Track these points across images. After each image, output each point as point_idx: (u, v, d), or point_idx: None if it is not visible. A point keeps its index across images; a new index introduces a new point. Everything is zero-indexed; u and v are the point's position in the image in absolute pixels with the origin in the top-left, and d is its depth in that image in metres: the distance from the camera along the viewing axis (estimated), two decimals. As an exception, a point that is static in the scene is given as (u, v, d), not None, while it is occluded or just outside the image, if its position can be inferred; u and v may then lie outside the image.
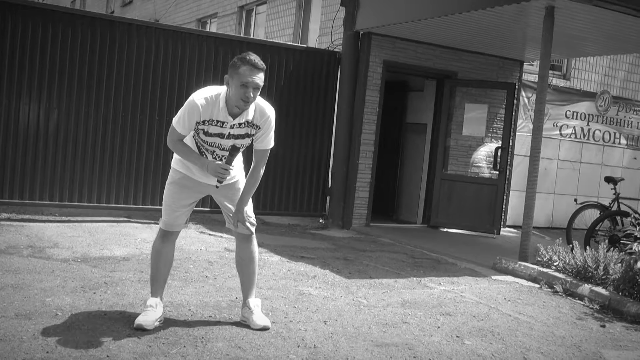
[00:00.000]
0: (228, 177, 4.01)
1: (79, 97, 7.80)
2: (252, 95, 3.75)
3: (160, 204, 4.25)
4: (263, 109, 3.94)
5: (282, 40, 12.14)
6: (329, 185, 9.34)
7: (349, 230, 9.13)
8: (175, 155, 4.08)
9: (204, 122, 3.82)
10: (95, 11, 10.51)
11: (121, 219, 8.06)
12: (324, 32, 11.03)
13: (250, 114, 3.89)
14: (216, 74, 8.34)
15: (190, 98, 3.84)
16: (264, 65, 3.83)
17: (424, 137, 10.43)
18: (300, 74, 9.09)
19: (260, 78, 3.76)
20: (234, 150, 3.87)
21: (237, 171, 4.17)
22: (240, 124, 3.87)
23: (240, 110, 3.82)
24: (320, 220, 9.30)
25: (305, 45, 10.07)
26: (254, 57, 3.78)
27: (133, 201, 8.11)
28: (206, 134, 3.86)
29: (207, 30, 16.13)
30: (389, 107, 10.33)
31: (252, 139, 3.99)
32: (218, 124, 3.82)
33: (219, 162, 3.87)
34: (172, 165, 4.15)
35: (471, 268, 7.08)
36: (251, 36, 13.82)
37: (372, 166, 9.40)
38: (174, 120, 3.89)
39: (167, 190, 4.12)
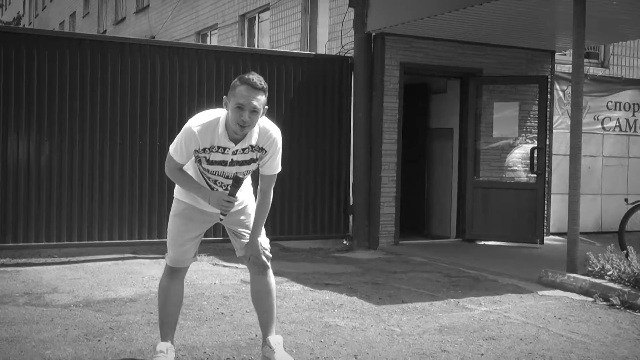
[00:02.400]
0: (236, 203, 3.96)
1: (72, 126, 7.81)
2: (248, 119, 3.65)
3: None
4: (267, 130, 3.86)
5: (288, 48, 12.16)
6: (351, 203, 9.29)
7: (376, 250, 9.08)
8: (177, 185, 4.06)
9: (204, 149, 3.77)
10: (86, 32, 10.57)
11: (126, 255, 8.05)
12: (333, 36, 11.03)
13: (253, 137, 3.81)
14: (219, 92, 8.32)
15: (186, 125, 3.79)
16: (265, 85, 3.73)
17: (451, 143, 10.39)
18: (310, 84, 9.07)
19: (258, 100, 3.67)
20: (236, 182, 3.79)
21: (246, 195, 4.13)
22: (244, 149, 3.80)
23: (239, 135, 3.75)
24: (344, 242, 9.26)
25: (313, 53, 10.09)
26: (253, 76, 3.70)
27: (138, 235, 8.10)
28: (208, 162, 3.82)
29: (207, 43, 16.21)
30: (410, 112, 10.28)
31: (258, 164, 3.93)
32: (219, 150, 3.77)
33: (222, 193, 3.82)
34: (175, 196, 4.12)
35: (514, 284, 6.97)
36: (255, 46, 13.86)
37: (396, 178, 9.35)
38: (171, 148, 3.86)
39: (172, 224, 4.08)
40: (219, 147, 3.76)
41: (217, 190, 3.91)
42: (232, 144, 3.76)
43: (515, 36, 9.35)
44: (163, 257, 7.67)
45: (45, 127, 7.69)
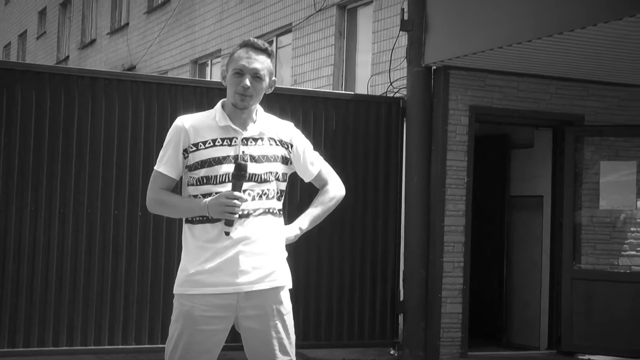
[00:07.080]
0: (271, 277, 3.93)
1: (22, 191, 7.81)
2: (249, 85, 3.84)
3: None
4: (282, 122, 4.13)
5: (316, 84, 12.19)
6: (401, 298, 9.25)
7: (436, 364, 9.02)
8: (179, 273, 3.97)
9: (196, 145, 3.88)
10: (41, 59, 10.71)
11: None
12: (378, 69, 11.10)
13: (267, 124, 4.02)
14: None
15: None
16: (270, 48, 3.99)
17: (540, 216, 10.36)
18: (347, 135, 9.07)
19: (261, 61, 3.89)
20: (239, 169, 3.78)
21: (276, 262, 4.04)
22: (255, 139, 3.93)
23: (239, 108, 3.89)
24: (392, 352, 9.26)
25: (352, 92, 10.12)
26: (254, 39, 3.99)
27: (108, 340, 8.00)
28: (207, 178, 3.86)
29: (207, 75, 16.36)
30: (483, 174, 10.25)
31: (288, 168, 4.09)
32: (225, 143, 3.89)
33: (222, 193, 3.81)
34: (174, 291, 4.00)
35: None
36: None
37: (464, 265, 9.33)
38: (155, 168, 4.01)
39: (173, 332, 3.96)
40: (223, 140, 3.89)
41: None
42: (237, 129, 3.90)
43: (634, 70, 9.25)
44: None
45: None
